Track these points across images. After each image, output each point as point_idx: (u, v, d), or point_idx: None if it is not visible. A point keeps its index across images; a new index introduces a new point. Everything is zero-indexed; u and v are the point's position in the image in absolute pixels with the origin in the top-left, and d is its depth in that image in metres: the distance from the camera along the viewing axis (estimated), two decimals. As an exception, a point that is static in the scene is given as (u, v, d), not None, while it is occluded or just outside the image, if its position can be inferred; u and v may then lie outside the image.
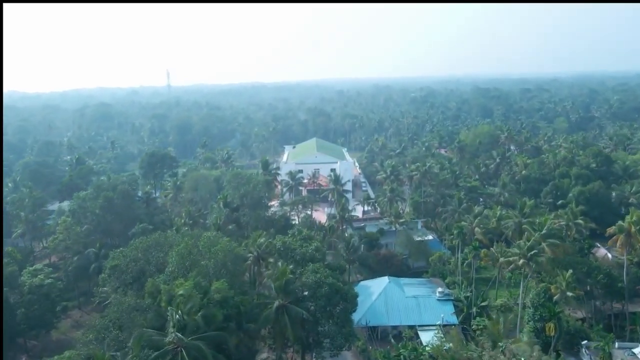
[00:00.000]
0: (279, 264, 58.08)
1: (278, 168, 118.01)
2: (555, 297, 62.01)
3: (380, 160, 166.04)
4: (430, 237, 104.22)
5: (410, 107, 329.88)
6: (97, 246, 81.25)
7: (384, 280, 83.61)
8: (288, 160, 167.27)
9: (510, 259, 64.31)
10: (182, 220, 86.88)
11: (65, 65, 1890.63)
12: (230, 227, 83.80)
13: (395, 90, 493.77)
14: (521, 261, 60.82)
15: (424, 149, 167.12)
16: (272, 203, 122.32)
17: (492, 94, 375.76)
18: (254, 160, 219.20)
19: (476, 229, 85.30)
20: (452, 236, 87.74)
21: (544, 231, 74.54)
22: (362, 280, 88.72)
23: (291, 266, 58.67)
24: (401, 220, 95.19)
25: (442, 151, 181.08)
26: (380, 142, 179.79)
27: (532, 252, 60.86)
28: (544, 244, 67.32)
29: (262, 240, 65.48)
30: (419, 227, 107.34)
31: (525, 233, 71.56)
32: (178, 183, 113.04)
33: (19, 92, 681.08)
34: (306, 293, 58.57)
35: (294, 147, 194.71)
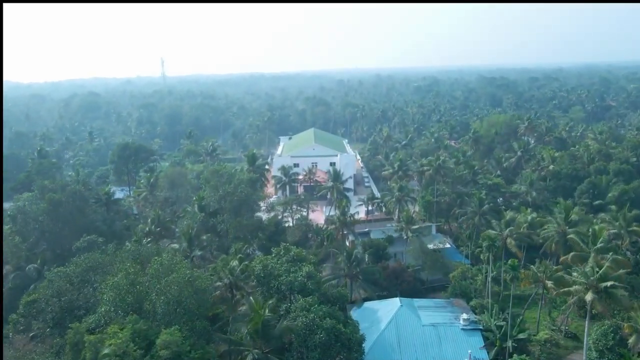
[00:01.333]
0: (251, 299, 42.03)
1: (267, 163, 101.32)
2: (630, 341, 46.01)
3: (385, 153, 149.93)
4: (448, 245, 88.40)
5: (414, 97, 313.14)
6: (39, 262, 65.36)
7: (395, 303, 67.70)
8: (283, 152, 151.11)
9: (572, 289, 48.14)
10: (147, 228, 70.87)
11: (62, 56, 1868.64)
12: (204, 237, 67.87)
13: (398, 80, 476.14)
14: (589, 295, 44.73)
15: (432, 140, 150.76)
16: (263, 203, 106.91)
17: (498, 83, 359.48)
18: (247, 152, 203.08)
19: (509, 239, 69.13)
20: (479, 249, 71.72)
21: (599, 244, 58.59)
22: (366, 300, 72.97)
23: (271, 301, 42.73)
24: (414, 227, 79.01)
25: (452, 143, 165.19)
26: (384, 132, 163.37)
27: (608, 284, 44.43)
28: (606, 264, 50.90)
29: (235, 263, 49.35)
30: (433, 231, 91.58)
31: (596, 259, 54.56)
32: (152, 180, 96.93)
33: (11, 82, 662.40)
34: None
35: (290, 139, 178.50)
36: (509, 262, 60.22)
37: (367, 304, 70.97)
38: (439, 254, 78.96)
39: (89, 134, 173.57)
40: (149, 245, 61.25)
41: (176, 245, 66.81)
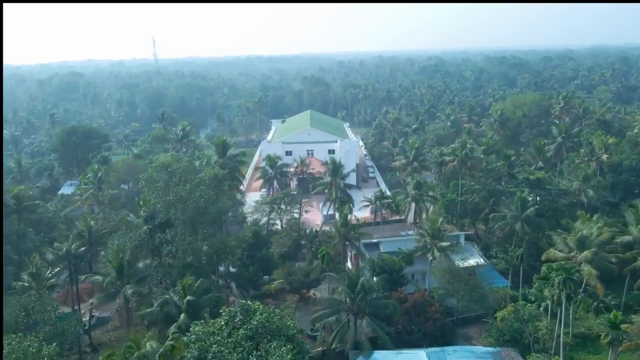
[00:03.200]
0: None
1: (243, 153, 78.79)
2: None
3: (393, 139, 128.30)
4: (482, 262, 67.22)
5: (420, 77, 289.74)
6: None
7: (419, 358, 46.95)
8: (273, 138, 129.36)
9: None
10: (64, 249, 49.45)
11: (57, 38, 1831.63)
12: (141, 264, 46.51)
13: (401, 61, 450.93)
14: None
15: (449, 123, 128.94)
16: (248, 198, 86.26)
17: (510, 62, 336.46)
18: (236, 138, 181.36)
19: (586, 267, 47.72)
20: (544, 281, 50.44)
21: None
22: (375, 343, 52.15)
23: None
24: (443, 244, 57.50)
25: (467, 126, 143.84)
26: (393, 115, 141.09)
27: None
28: None
29: (150, 345, 27.98)
30: (462, 241, 70.10)
31: None
32: (100, 174, 75.60)
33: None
34: None
35: (283, 122, 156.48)
36: (611, 315, 38.90)
37: (378, 355, 50.09)
38: (475, 280, 57.66)
39: (51, 116, 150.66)
40: (51, 280, 39.77)
41: (99, 278, 45.58)
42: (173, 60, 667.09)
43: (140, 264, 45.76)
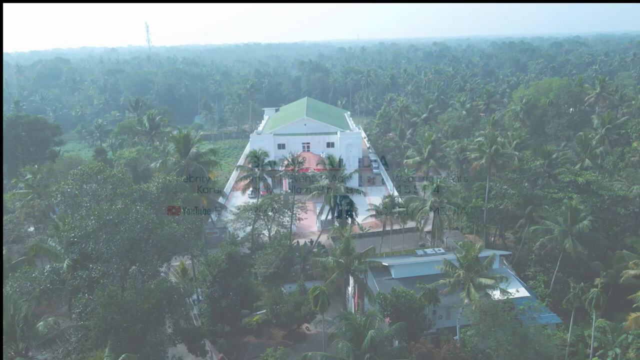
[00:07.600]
0: None
1: (213, 151, 62.53)
2: None
3: (400, 130, 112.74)
4: (524, 291, 51.91)
5: (425, 63, 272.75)
6: None
7: None
8: (265, 129, 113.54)
9: None
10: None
11: (54, 25, 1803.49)
12: (42, 324, 30.94)
13: (404, 47, 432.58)
14: None
15: (464, 112, 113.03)
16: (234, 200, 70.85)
17: (520, 48, 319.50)
18: (226, 128, 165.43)
19: None
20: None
21: None
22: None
23: None
24: (484, 281, 41.80)
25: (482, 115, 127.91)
26: (400, 102, 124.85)
27: None
28: None
29: None
30: (496, 265, 54.41)
31: None
32: (39, 177, 60.17)
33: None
34: None
35: (277, 111, 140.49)
36: None
37: None
38: (526, 330, 41.99)
39: (15, 104, 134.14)
40: None
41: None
42: (169, 48, 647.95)
43: (41, 324, 30.29)
